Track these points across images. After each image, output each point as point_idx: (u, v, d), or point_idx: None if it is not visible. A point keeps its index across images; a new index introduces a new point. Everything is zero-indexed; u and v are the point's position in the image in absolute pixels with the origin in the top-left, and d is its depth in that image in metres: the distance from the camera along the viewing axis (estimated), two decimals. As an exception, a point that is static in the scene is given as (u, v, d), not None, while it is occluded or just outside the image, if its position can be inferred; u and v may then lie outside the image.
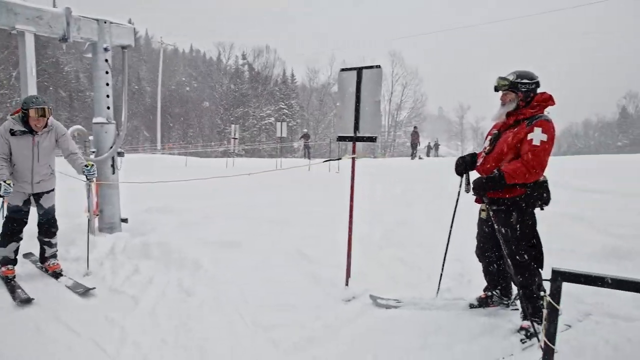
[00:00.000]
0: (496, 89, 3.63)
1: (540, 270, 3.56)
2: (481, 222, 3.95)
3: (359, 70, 4.49)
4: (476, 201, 3.80)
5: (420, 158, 26.95)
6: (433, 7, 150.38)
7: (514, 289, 3.98)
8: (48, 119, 4.71)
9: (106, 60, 6.14)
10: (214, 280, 4.74)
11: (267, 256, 5.37)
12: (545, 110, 3.53)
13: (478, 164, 3.82)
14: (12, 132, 4.63)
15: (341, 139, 4.70)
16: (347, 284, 4.57)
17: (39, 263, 5.30)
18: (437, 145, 38.93)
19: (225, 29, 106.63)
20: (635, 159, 17.32)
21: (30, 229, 5.06)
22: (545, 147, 3.36)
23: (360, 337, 3.70)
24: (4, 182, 4.46)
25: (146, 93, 60.20)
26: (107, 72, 6.18)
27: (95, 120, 6.24)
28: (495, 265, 3.94)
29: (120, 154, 6.43)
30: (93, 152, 6.16)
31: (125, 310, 4.24)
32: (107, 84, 6.21)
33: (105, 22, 6.06)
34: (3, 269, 4.85)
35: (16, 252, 4.95)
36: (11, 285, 4.69)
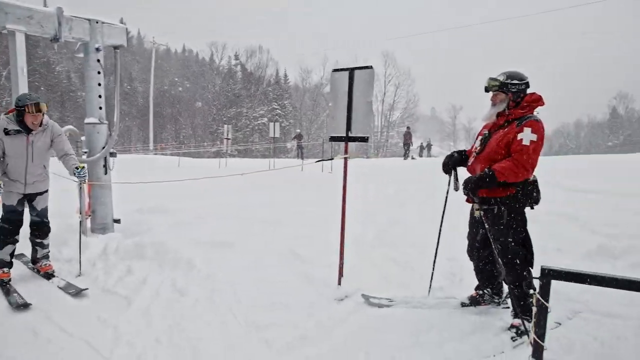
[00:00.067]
0: (486, 90, 3.67)
1: (530, 268, 3.60)
2: (472, 221, 3.99)
3: (351, 71, 4.52)
4: (467, 201, 3.83)
5: (412, 158, 27.07)
6: (433, 7, 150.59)
7: (505, 288, 4.03)
8: (44, 114, 4.66)
9: (98, 61, 6.12)
10: (207, 280, 4.74)
11: (260, 256, 5.38)
12: (535, 110, 3.57)
13: (469, 163, 3.86)
14: (6, 132, 4.57)
15: (333, 139, 4.72)
16: (339, 284, 4.59)
17: (30, 264, 5.27)
18: (429, 146, 39.12)
19: (218, 29, 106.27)
20: (625, 159, 17.49)
21: (23, 230, 5.03)
22: (534, 146, 3.41)
23: (353, 336, 3.72)
24: None
25: (138, 93, 59.99)
26: (99, 72, 6.16)
27: (87, 120, 6.22)
28: (486, 264, 3.98)
29: (112, 155, 6.40)
30: (85, 152, 6.14)
31: (118, 311, 4.23)
32: (99, 84, 6.19)
33: (97, 22, 6.04)
34: None
35: (12, 254, 4.87)
36: (7, 289, 4.63)
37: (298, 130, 38.55)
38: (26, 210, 4.99)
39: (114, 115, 6.50)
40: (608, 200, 7.94)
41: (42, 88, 43.32)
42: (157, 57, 54.77)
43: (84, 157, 6.06)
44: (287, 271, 4.99)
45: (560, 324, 3.62)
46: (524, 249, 3.61)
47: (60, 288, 4.74)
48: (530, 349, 2.30)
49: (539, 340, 2.13)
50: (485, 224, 3.62)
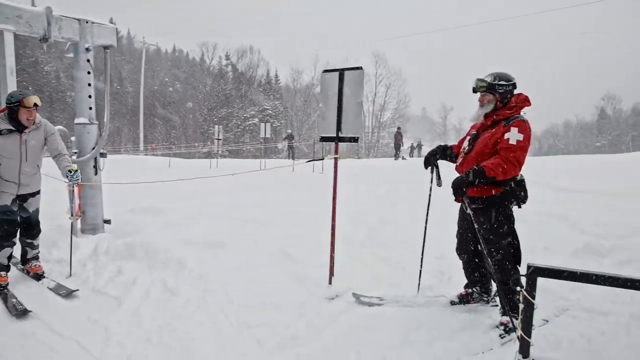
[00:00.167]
0: (474, 90, 3.72)
1: (518, 266, 3.65)
2: (461, 220, 4.04)
3: (341, 72, 4.55)
4: (456, 200, 3.87)
5: (403, 158, 27.17)
6: (433, 7, 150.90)
7: (494, 286, 4.07)
8: (38, 107, 4.59)
9: (88, 61, 6.09)
10: (198, 280, 4.75)
11: (251, 256, 5.39)
12: (521, 110, 3.63)
13: (457, 164, 3.91)
14: None
15: (324, 139, 4.75)
16: (330, 283, 4.62)
17: (20, 265, 5.23)
18: (420, 146, 39.31)
19: (215, 30, 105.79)
20: (613, 159, 17.71)
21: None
22: (521, 145, 3.46)
23: (344, 335, 3.75)
24: None
25: (128, 93, 59.66)
26: (89, 73, 6.13)
27: (77, 120, 6.19)
28: (475, 262, 4.03)
29: (102, 155, 6.37)
30: (75, 153, 6.11)
31: (109, 311, 4.23)
32: (89, 84, 6.16)
33: (87, 22, 6.01)
34: None
35: (9, 258, 4.77)
36: (4, 294, 4.55)
37: (289, 131, 38.56)
38: None
39: (104, 115, 6.47)
40: (596, 200, 8.04)
41: (30, 88, 42.80)
42: (148, 58, 54.52)
43: (74, 157, 6.03)
44: (278, 271, 5.01)
45: (547, 321, 3.67)
46: (512, 247, 3.66)
47: (50, 289, 4.72)
48: (517, 345, 2.34)
49: (525, 336, 2.17)
50: (475, 223, 3.66)
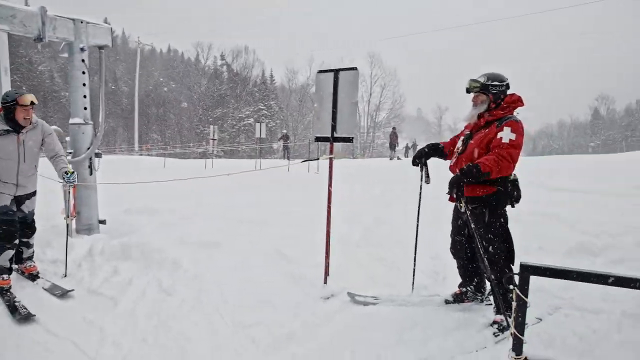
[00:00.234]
0: (468, 91, 3.75)
1: (512, 265, 3.68)
2: (455, 220, 4.06)
3: (336, 72, 4.57)
4: (450, 200, 3.89)
5: (398, 159, 27.22)
6: (433, 7, 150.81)
7: (488, 285, 4.10)
8: (35, 105, 4.57)
9: (83, 61, 6.08)
10: (193, 280, 4.75)
11: (247, 256, 5.40)
12: (514, 111, 3.66)
13: (451, 164, 3.94)
14: None
15: (319, 139, 4.76)
16: (325, 283, 4.63)
17: (15, 265, 5.20)
18: (415, 146, 39.29)
19: (208, 29, 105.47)
20: (606, 159, 17.83)
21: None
22: (514, 144, 3.50)
23: (339, 334, 3.76)
24: None
25: (123, 93, 59.46)
26: (83, 73, 6.12)
27: (72, 120, 6.17)
28: (469, 261, 4.05)
29: (97, 155, 6.37)
30: (70, 153, 6.10)
31: (104, 311, 4.23)
32: (84, 84, 6.15)
33: (81, 22, 5.99)
34: None
35: (11, 260, 4.71)
36: (7, 298, 4.48)
37: (284, 131, 38.55)
38: None
39: (99, 115, 6.46)
40: (590, 200, 8.11)
41: (24, 88, 42.36)
42: (142, 58, 54.36)
43: (69, 157, 6.01)
44: (273, 271, 5.02)
45: (541, 319, 3.70)
46: (506, 247, 3.69)
47: (45, 289, 4.72)
48: (511, 343, 2.36)
49: (518, 334, 2.19)
50: (470, 223, 3.69)
